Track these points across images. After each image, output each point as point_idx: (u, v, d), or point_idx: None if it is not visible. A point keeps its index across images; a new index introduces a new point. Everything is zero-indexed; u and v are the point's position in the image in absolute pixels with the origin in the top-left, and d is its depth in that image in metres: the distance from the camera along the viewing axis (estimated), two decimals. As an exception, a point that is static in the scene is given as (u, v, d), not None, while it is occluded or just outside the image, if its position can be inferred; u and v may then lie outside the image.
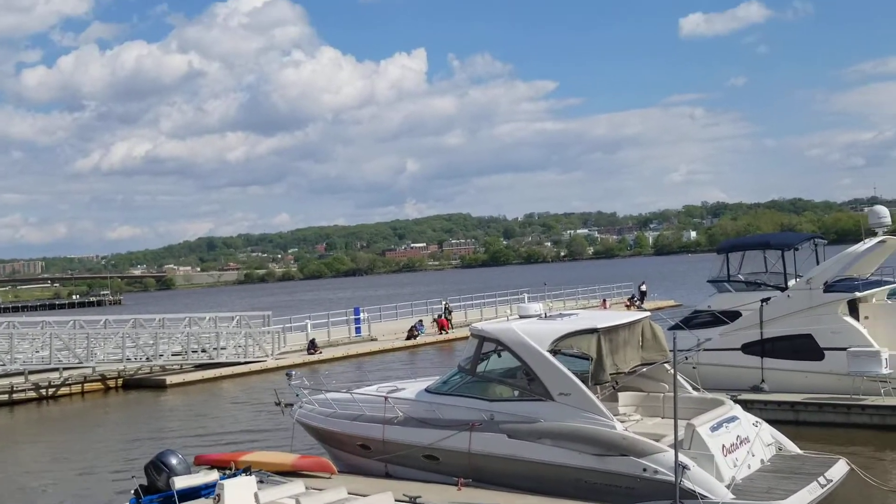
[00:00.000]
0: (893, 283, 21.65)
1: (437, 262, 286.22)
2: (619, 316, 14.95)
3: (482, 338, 14.22)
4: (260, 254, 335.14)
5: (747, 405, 15.37)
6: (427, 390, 14.75)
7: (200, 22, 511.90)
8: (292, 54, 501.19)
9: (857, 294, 19.23)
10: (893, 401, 17.58)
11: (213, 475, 12.18)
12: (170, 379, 32.36)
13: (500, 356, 14.15)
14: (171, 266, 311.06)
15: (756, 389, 19.38)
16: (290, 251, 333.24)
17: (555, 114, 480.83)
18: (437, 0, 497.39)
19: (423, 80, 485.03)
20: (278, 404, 16.64)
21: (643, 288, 57.14)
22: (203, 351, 34.48)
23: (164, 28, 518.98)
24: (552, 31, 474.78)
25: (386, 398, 14.82)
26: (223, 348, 34.93)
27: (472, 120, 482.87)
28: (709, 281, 22.39)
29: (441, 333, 43.82)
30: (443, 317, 45.66)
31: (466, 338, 16.32)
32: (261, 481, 12.21)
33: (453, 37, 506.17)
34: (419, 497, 12.10)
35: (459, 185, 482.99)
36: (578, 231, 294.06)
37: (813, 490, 11.60)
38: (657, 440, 12.09)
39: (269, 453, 15.72)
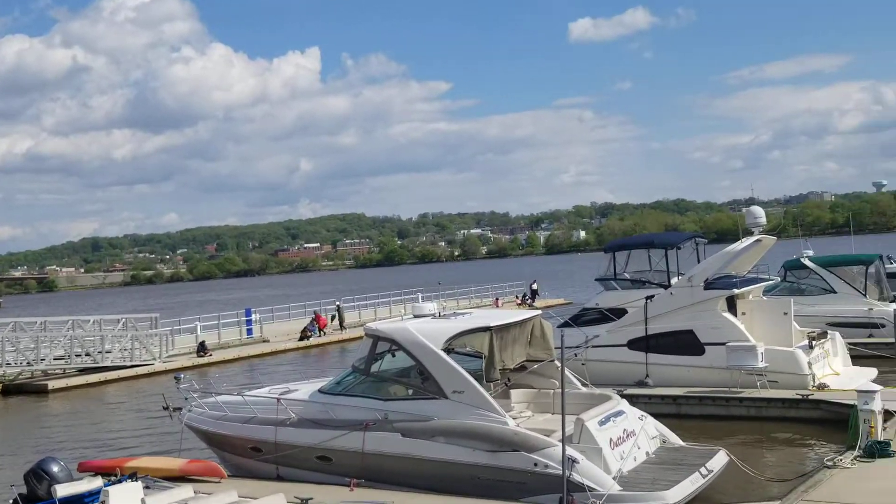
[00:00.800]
0: (769, 280, 22.74)
1: (331, 263, 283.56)
2: (511, 314, 15.20)
3: (376, 337, 14.25)
4: (147, 254, 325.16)
5: (633, 399, 15.85)
6: (320, 391, 14.68)
7: (85, 16, 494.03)
8: (181, 51, 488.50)
9: (735, 291, 20.04)
10: (768, 393, 18.41)
11: (97, 482, 11.80)
12: (52, 384, 31.10)
13: (394, 356, 14.21)
14: (54, 267, 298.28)
15: (641, 384, 19.99)
16: (179, 252, 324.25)
17: (449, 114, 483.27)
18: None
19: (316, 78, 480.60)
20: (166, 408, 16.24)
21: (534, 287, 58.13)
22: (87, 355, 33.28)
23: (47, 22, 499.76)
24: (446, 33, 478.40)
25: (278, 400, 14.67)
26: (108, 352, 33.78)
27: (366, 119, 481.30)
28: (596, 279, 22.97)
29: (321, 334, 43.06)
30: (330, 315, 45.23)
31: (361, 338, 16.30)
32: (147, 487, 11.90)
33: (348, 36, 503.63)
34: (311, 498, 12.03)
35: (354, 184, 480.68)
36: (472, 231, 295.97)
37: (695, 480, 12.09)
38: (548, 435, 12.35)
39: (157, 458, 15.32)
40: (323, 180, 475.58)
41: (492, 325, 13.57)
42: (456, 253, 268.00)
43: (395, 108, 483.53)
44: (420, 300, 45.13)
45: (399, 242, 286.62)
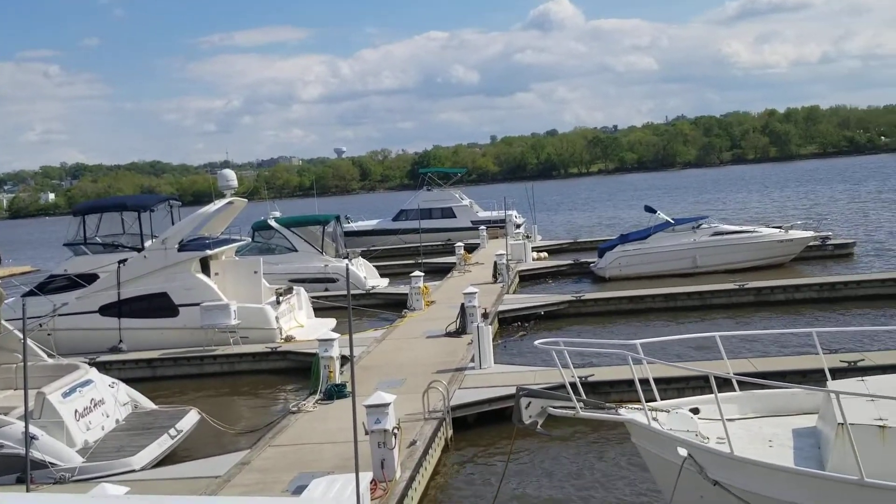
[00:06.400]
0: (240, 240, 23.62)
1: None
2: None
3: None
4: None
5: (106, 366, 15.49)
6: None
7: None
8: None
9: (209, 252, 20.52)
10: (240, 349, 19.20)
11: None
12: None
13: None
14: None
15: (114, 350, 19.53)
16: None
17: None
18: None
19: None
20: None
21: (-6, 254, 53.00)
22: None
23: None
24: None
25: None
26: None
27: None
28: (65, 244, 21.79)
29: None
30: None
31: None
32: None
33: None
34: None
35: None
36: None
37: (163, 442, 12.23)
38: (7, 413, 11.65)
39: None
40: None
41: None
42: None
43: None
44: None
45: None
